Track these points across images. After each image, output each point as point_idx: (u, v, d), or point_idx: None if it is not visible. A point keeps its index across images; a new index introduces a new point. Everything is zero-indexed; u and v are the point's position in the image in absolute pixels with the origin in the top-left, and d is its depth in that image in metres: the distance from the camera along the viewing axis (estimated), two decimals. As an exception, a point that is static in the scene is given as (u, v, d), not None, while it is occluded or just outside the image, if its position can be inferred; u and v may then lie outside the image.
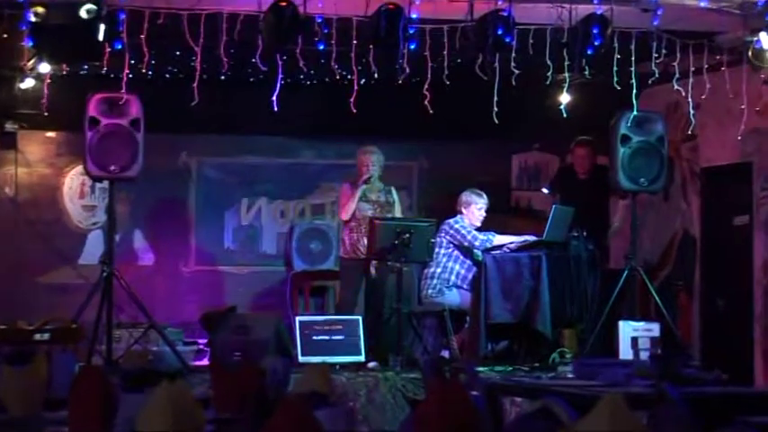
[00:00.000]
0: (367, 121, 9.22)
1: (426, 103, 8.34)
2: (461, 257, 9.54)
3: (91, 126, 8.73)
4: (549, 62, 8.41)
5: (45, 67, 8.85)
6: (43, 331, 8.52)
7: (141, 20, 7.86)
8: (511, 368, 8.80)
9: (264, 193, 11.53)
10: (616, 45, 8.39)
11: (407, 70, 8.11)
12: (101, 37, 7.61)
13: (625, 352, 8.63)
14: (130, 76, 8.33)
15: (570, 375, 8.04)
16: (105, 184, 9.32)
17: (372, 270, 9.57)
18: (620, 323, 8.77)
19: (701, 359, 9.68)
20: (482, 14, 8.05)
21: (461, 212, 9.65)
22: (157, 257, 11.23)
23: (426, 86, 8.33)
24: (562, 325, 9.39)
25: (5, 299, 10.14)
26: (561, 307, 9.26)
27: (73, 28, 7.55)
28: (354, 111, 8.22)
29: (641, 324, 8.81)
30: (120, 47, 7.87)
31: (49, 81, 8.85)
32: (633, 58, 8.56)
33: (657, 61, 8.66)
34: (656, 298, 9.24)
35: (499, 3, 8.03)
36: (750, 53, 8.59)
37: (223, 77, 9.55)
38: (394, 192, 9.84)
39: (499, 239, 9.52)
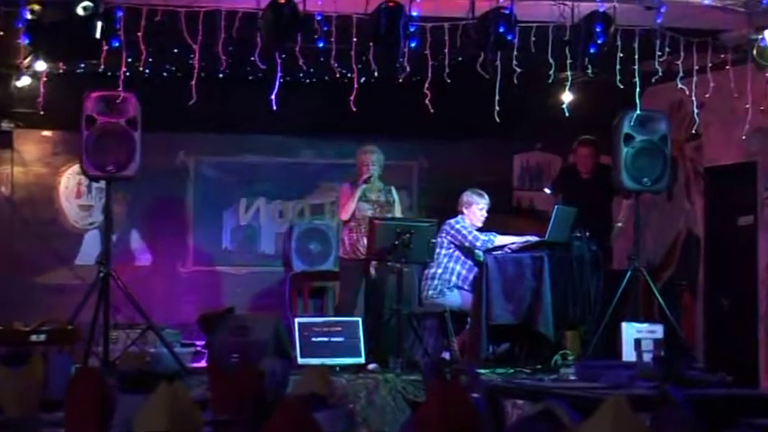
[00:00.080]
0: (367, 120, 9.21)
1: (427, 101, 8.33)
2: (462, 258, 9.54)
3: (87, 125, 8.72)
4: (551, 60, 8.41)
5: (41, 65, 8.85)
6: (39, 332, 8.51)
7: (138, 17, 7.86)
8: (512, 370, 8.79)
9: (263, 193, 11.53)
10: (619, 43, 8.39)
11: (408, 68, 8.11)
12: (98, 35, 7.60)
13: (628, 354, 8.64)
14: (127, 74, 8.32)
15: (572, 377, 8.05)
16: (102, 183, 9.31)
17: (372, 271, 9.57)
18: (623, 324, 8.77)
19: (705, 361, 9.69)
20: (483, 12, 8.05)
21: (462, 212, 9.64)
22: (155, 258, 11.23)
23: (427, 85, 8.33)
24: (564, 326, 9.39)
25: (1, 299, 10.13)
26: (563, 308, 9.26)
27: (69, 25, 7.54)
28: (354, 109, 8.21)
29: (644, 325, 8.82)
30: (116, 44, 7.87)
31: (45, 79, 8.84)
32: (636, 57, 8.55)
33: (661, 59, 8.65)
34: (660, 299, 9.24)
35: (500, 0, 8.03)
36: (755, 51, 8.59)
37: (221, 75, 9.55)
38: (394, 191, 9.84)
39: (501, 240, 9.52)
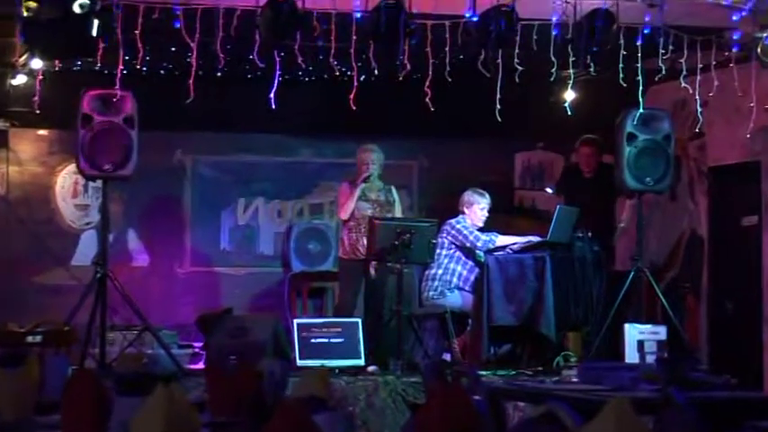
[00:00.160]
0: (367, 119, 9.21)
1: (427, 100, 8.33)
2: (463, 258, 9.54)
3: (84, 123, 8.72)
4: (553, 58, 8.41)
5: (37, 64, 8.85)
6: (35, 333, 8.51)
7: (136, 15, 7.85)
8: (514, 372, 8.79)
9: (262, 193, 11.53)
10: (622, 41, 8.38)
11: (408, 67, 8.11)
12: (94, 32, 7.60)
13: (631, 355, 8.63)
14: (124, 72, 8.32)
15: (575, 379, 8.04)
16: (99, 182, 9.30)
17: (372, 271, 9.56)
18: (626, 326, 8.77)
19: (709, 363, 9.69)
20: (485, 10, 8.04)
21: (463, 212, 9.64)
22: (152, 258, 11.23)
23: (427, 83, 8.33)
24: (566, 328, 9.39)
25: (-4, 300, 10.15)
26: (566, 309, 9.26)
27: (66, 23, 7.53)
28: (354, 108, 8.21)
29: (647, 327, 8.81)
30: (111, 41, 7.86)
31: (41, 77, 8.84)
32: (639, 55, 8.55)
33: (664, 58, 8.65)
34: (663, 300, 9.24)
35: (502, -2, 8.04)
36: (759, 50, 8.59)
37: (219, 74, 9.55)
38: (394, 191, 9.84)
39: (502, 240, 9.52)
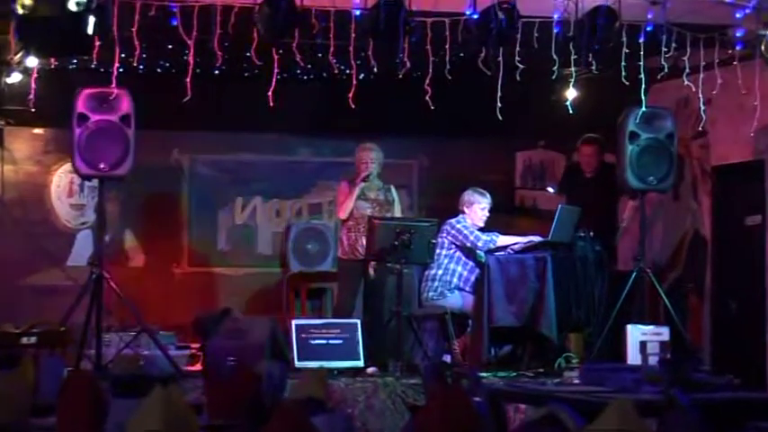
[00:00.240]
0: (366, 118, 9.22)
1: (427, 98, 8.33)
2: (464, 259, 9.54)
3: (80, 122, 8.73)
4: (554, 56, 8.41)
5: (32, 61, 8.85)
6: (30, 334, 8.52)
7: (132, 12, 7.86)
8: (515, 373, 8.79)
9: (260, 192, 11.53)
10: (624, 38, 8.38)
11: (408, 65, 8.11)
12: (90, 30, 7.60)
13: (633, 357, 8.63)
14: (121, 70, 8.32)
15: (576, 381, 8.04)
16: (94, 182, 9.31)
17: (371, 271, 9.56)
18: (629, 327, 8.77)
19: (712, 363, 9.69)
20: (485, 7, 8.05)
21: (464, 212, 9.64)
22: (149, 258, 11.23)
23: (427, 81, 8.33)
24: (568, 329, 9.39)
25: (-9, 301, 10.15)
26: (567, 310, 9.26)
27: (61, 20, 7.53)
28: (353, 106, 8.22)
29: (650, 328, 8.81)
30: (107, 39, 7.86)
31: (36, 75, 8.83)
32: (642, 52, 8.56)
33: (667, 55, 8.65)
34: (666, 301, 9.24)
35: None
36: (763, 47, 8.58)
37: (217, 72, 9.55)
38: (393, 190, 9.84)
39: (503, 240, 9.52)
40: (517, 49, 8.19)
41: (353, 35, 8.13)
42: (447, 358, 9.29)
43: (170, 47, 9.08)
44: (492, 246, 9.46)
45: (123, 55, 8.20)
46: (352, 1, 7.97)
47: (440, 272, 9.52)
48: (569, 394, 7.15)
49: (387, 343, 9.16)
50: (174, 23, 7.92)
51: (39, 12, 7.51)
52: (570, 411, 3.22)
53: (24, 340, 8.48)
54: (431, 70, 8.29)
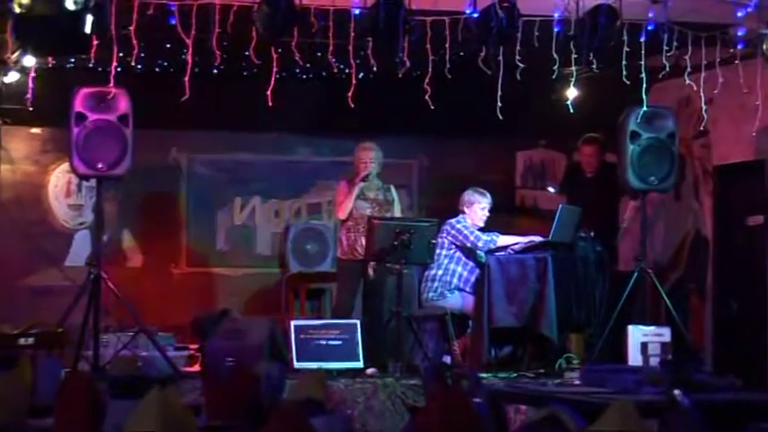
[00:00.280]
0: (365, 117, 9.22)
1: (427, 97, 8.33)
2: (464, 259, 9.54)
3: (77, 122, 8.73)
4: (555, 55, 8.41)
5: (30, 61, 8.84)
6: (28, 335, 8.51)
7: (130, 11, 7.85)
8: (515, 374, 8.80)
9: (258, 192, 11.53)
10: (625, 37, 8.38)
11: (407, 64, 8.11)
12: (88, 29, 7.59)
13: (634, 357, 8.63)
14: (119, 69, 8.32)
15: (577, 382, 8.04)
16: (92, 182, 9.30)
17: (371, 272, 9.56)
18: (630, 327, 8.77)
19: (714, 364, 9.70)
20: (485, 6, 8.04)
21: (464, 212, 9.64)
22: (147, 259, 11.23)
23: (427, 81, 8.32)
24: (569, 329, 9.39)
25: (-12, 302, 10.15)
26: (568, 311, 9.26)
27: (59, 19, 7.53)
28: (352, 106, 8.22)
29: (651, 328, 8.81)
30: (105, 38, 7.86)
31: (33, 75, 8.83)
32: (643, 52, 8.55)
33: (668, 54, 8.65)
34: (667, 301, 9.24)
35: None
36: (764, 46, 8.58)
37: (215, 71, 9.55)
38: (393, 190, 9.84)
39: (503, 240, 9.52)
40: (518, 48, 8.19)
41: (353, 34, 8.12)
42: (447, 359, 9.29)
43: (168, 46, 9.08)
44: (492, 246, 9.45)
45: (121, 54, 8.19)
46: (351, 0, 7.97)
47: (440, 272, 9.51)
48: (570, 395, 7.15)
49: (386, 344, 9.16)
50: (173, 22, 7.91)
51: (36, 10, 7.51)
52: (571, 412, 3.22)
53: (22, 341, 8.47)
54: (431, 69, 8.29)
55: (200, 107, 9.21)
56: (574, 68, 8.83)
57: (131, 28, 7.90)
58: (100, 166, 8.74)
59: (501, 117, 8.36)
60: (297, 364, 8.58)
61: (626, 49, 8.47)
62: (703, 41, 8.72)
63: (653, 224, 10.41)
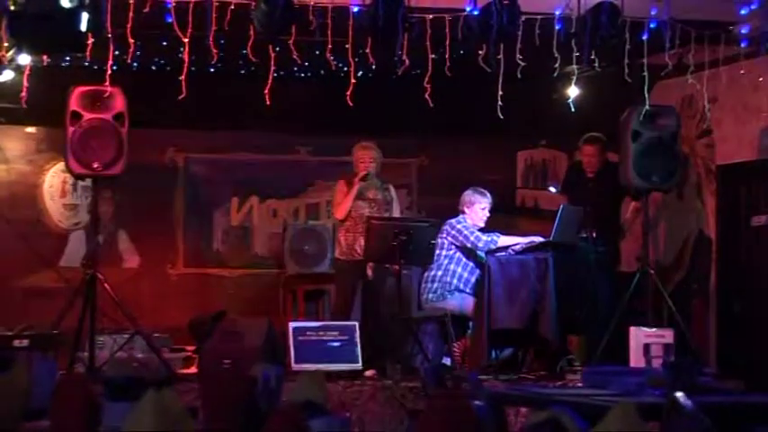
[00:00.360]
0: (364, 116, 9.21)
1: (427, 96, 8.33)
2: (464, 260, 9.54)
3: (73, 121, 8.73)
4: (556, 54, 8.41)
5: (24, 59, 8.84)
6: (22, 337, 8.51)
7: (126, 9, 7.85)
8: (516, 376, 8.81)
9: (256, 192, 11.53)
10: (627, 35, 8.39)
11: (407, 62, 8.11)
12: (83, 27, 7.60)
13: (637, 359, 8.64)
14: (114, 68, 8.31)
15: (579, 384, 8.04)
16: (88, 181, 9.30)
17: (369, 273, 9.56)
18: (632, 329, 8.78)
19: (717, 366, 9.69)
20: (486, 3, 8.05)
21: (464, 212, 9.64)
22: (143, 259, 11.23)
23: (427, 79, 8.32)
24: (570, 331, 9.40)
25: (-18, 303, 10.14)
26: (569, 312, 9.27)
27: (54, 17, 7.53)
28: (351, 105, 8.22)
29: (654, 330, 8.82)
30: (101, 36, 7.86)
31: (28, 73, 8.83)
32: (645, 50, 8.55)
33: (671, 53, 8.65)
34: (670, 302, 9.24)
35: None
36: (769, 44, 8.59)
37: (212, 70, 9.55)
38: (392, 190, 9.84)
39: (504, 241, 9.52)
40: (518, 46, 8.19)
41: (351, 32, 8.12)
42: (447, 361, 9.29)
43: (165, 44, 9.08)
44: (493, 246, 9.45)
45: (117, 52, 8.18)
46: (350, -3, 7.98)
47: (439, 273, 9.51)
48: (571, 397, 7.14)
49: (385, 345, 9.17)
50: (169, 20, 7.91)
51: (31, 8, 7.51)
52: (572, 415, 3.23)
53: (17, 343, 8.47)
54: (430, 68, 8.29)
55: (198, 106, 9.23)
56: (575, 67, 8.84)
57: (127, 26, 7.90)
58: (95, 165, 8.74)
59: (501, 116, 8.36)
60: (295, 366, 8.58)
61: (628, 47, 8.48)
62: (706, 40, 8.73)
63: (655, 224, 10.41)
